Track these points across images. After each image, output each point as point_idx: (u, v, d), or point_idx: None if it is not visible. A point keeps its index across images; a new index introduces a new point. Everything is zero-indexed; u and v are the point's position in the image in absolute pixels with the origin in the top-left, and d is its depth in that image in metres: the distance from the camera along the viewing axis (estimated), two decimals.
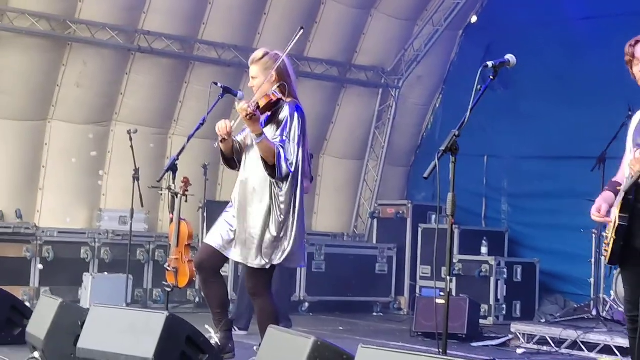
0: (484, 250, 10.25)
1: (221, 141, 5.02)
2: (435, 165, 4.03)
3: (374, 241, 11.56)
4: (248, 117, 4.79)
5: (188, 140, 5.74)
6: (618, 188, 4.25)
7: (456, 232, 10.47)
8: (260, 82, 5.10)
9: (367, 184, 12.30)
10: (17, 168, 9.99)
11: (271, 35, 10.94)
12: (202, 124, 5.70)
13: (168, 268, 6.73)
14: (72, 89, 10.10)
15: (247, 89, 10.94)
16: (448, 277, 4.35)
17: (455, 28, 12.05)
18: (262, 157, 4.94)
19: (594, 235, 8.43)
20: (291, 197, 5.02)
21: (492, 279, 9.83)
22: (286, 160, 4.92)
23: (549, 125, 10.86)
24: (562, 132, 10.66)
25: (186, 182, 6.84)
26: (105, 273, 9.89)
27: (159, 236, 10.53)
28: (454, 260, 10.08)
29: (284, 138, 4.96)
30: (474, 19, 12.05)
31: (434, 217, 11.09)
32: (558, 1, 10.82)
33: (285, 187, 5.00)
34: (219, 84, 5.60)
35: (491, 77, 4.26)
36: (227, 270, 9.83)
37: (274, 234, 4.99)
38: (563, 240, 10.30)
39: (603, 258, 4.38)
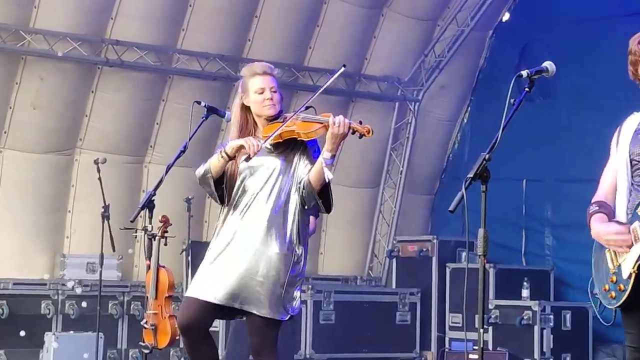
0: (525, 293, 10.21)
1: (247, 159, 4.99)
2: (463, 196, 3.99)
3: (393, 285, 11.50)
4: (350, 131, 4.86)
5: (167, 170, 5.71)
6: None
7: (491, 272, 10.45)
8: (279, 98, 5.15)
9: (384, 216, 12.25)
10: None
11: (264, 43, 10.97)
12: (183, 151, 5.67)
13: (145, 325, 6.69)
14: (28, 111, 10.10)
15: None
16: (481, 329, 4.29)
17: (483, 28, 12.05)
18: (312, 185, 4.94)
19: None
20: (308, 236, 5.15)
21: (536, 328, 9.77)
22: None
23: (598, 142, 10.75)
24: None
25: (165, 221, 6.82)
26: (71, 332, 9.81)
27: (134, 285, 10.47)
28: (489, 307, 10.02)
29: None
30: (506, 16, 12.05)
31: (463, 254, 11.03)
32: None
33: (307, 225, 5.11)
34: (203, 103, 5.58)
35: (527, 89, 4.24)
36: (217, 325, 9.75)
37: (294, 277, 5.00)
38: None
39: (607, 297, 4.36)
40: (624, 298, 4.23)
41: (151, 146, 10.88)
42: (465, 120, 12.53)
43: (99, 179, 8.95)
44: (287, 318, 5.03)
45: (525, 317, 9.82)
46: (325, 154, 4.93)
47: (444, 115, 12.46)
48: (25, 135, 10.17)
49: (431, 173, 12.62)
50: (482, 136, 12.10)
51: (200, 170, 5.22)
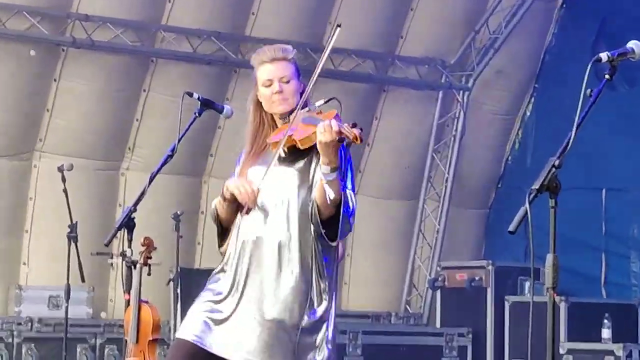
0: (606, 334, 10.20)
1: (246, 212, 4.98)
2: (526, 212, 3.97)
3: (438, 324, 11.52)
4: (340, 140, 4.81)
5: (150, 180, 5.69)
6: None
7: (562, 306, 10.46)
8: (294, 88, 5.09)
9: (425, 236, 12.29)
10: None
11: (273, 18, 11.02)
12: (171, 156, 5.66)
13: None
14: None
15: (238, 99, 11.06)
16: None
17: None
18: (317, 205, 4.91)
19: None
20: (335, 268, 5.02)
21: None
22: (352, 214, 4.92)
23: None
24: None
25: (148, 245, 6.87)
26: None
27: (109, 325, 10.51)
28: (561, 351, 10.04)
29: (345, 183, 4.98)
30: None
31: (527, 285, 11.02)
32: None
33: (332, 251, 5.00)
34: (196, 95, 5.56)
35: (607, 76, 4.21)
36: None
37: (316, 321, 4.96)
38: None
39: None
40: None
41: (129, 149, 10.94)
42: (528, 114, 12.55)
43: (64, 190, 8.97)
44: None
45: None
46: (322, 167, 4.92)
47: (500, 108, 12.50)
48: None
49: (484, 182, 12.67)
50: (549, 134, 12.13)
51: (212, 207, 5.21)
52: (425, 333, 11.33)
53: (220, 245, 5.17)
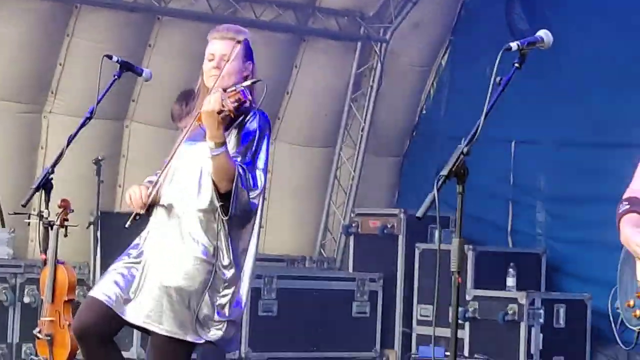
0: (510, 282, 10.33)
1: (134, 217, 5.03)
2: (434, 199, 4.07)
3: (350, 269, 11.60)
4: (220, 113, 4.86)
5: (68, 142, 5.78)
6: None
7: (470, 255, 10.57)
8: (231, 68, 5.12)
9: (340, 183, 12.34)
10: None
11: None
12: (89, 118, 5.75)
13: (39, 335, 6.68)
14: None
15: (159, 46, 10.99)
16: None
17: None
18: (212, 179, 4.96)
19: None
20: (247, 241, 5.07)
21: (523, 325, 9.91)
22: (248, 190, 4.95)
23: (607, 99, 10.91)
24: (627, 109, 10.70)
25: (65, 206, 6.81)
26: None
27: (29, 265, 10.45)
28: (467, 298, 10.20)
29: (249, 159, 5.00)
30: None
31: (436, 233, 11.09)
32: None
33: (245, 228, 5.05)
34: (115, 58, 5.59)
35: (516, 65, 4.30)
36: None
37: (217, 293, 5.01)
38: None
39: (630, 315, 4.44)
40: None
41: (52, 92, 10.83)
42: (443, 66, 12.59)
43: None
44: (201, 342, 5.04)
45: (509, 312, 9.95)
46: (207, 141, 4.97)
47: (417, 60, 12.51)
48: None
49: (399, 131, 12.72)
50: (462, 86, 12.16)
51: None
52: (337, 278, 11.37)
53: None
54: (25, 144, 10.75)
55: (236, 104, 4.94)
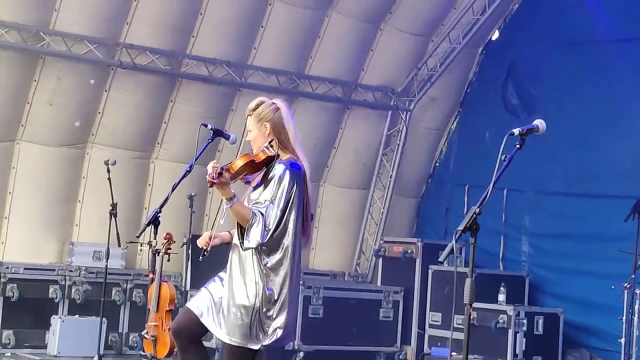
0: (501, 297, 10.18)
1: (203, 254, 5.02)
2: (452, 248, 3.98)
3: (379, 282, 11.53)
4: (209, 184, 4.82)
5: (173, 189, 5.70)
6: None
7: (473, 275, 10.40)
8: (254, 136, 5.07)
9: (372, 216, 12.25)
10: None
11: (268, 51, 10.93)
12: (189, 171, 5.67)
13: (146, 336, 6.67)
14: (45, 107, 10.04)
15: (240, 111, 10.95)
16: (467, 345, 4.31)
17: (474, 45, 12.03)
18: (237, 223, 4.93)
19: (625, 291, 8.36)
20: (285, 269, 4.98)
21: (510, 332, 9.75)
22: (264, 230, 4.86)
23: (577, 158, 10.81)
24: (593, 166, 10.62)
25: (169, 238, 6.79)
26: (77, 316, 9.82)
27: (137, 274, 10.46)
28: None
29: (270, 203, 4.90)
30: (495, 35, 12.04)
31: (447, 260, 10.94)
32: (589, 20, 10.79)
33: (275, 256, 4.96)
34: (210, 126, 5.53)
35: (518, 146, 4.21)
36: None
37: (265, 311, 4.93)
38: (590, 289, 10.26)
39: None
40: None
41: (158, 143, 10.85)
42: (453, 130, 12.50)
43: (109, 179, 8.92)
44: (259, 347, 4.96)
45: (500, 321, 9.80)
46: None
47: (433, 125, 12.44)
48: (41, 129, 10.11)
49: (419, 178, 12.62)
50: (467, 146, 12.12)
51: None
52: (369, 290, 11.23)
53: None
54: (136, 182, 10.76)
55: (209, 179, 4.84)
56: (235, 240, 5.04)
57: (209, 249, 5.04)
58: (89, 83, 10.21)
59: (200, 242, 5.09)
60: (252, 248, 4.89)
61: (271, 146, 5.00)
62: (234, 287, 4.98)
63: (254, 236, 4.86)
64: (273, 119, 5.06)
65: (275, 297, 4.94)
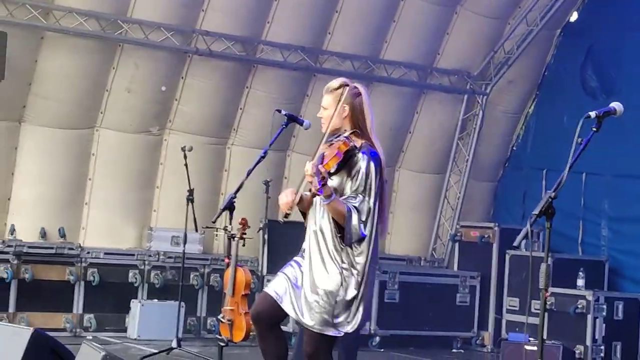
0: (580, 282, 10.06)
1: (285, 215, 4.97)
2: (527, 232, 3.91)
3: (455, 268, 11.46)
4: (312, 195, 4.80)
5: (248, 174, 5.72)
6: None
7: (548, 260, 10.27)
8: (329, 114, 5.00)
9: (449, 201, 12.16)
10: (61, 181, 10.06)
11: (343, 36, 10.90)
12: (263, 157, 5.67)
13: (222, 320, 6.69)
14: (123, 94, 10.16)
15: (315, 96, 10.94)
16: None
17: (551, 27, 11.83)
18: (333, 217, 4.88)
19: None
20: (365, 255, 4.94)
21: (590, 317, 9.63)
22: (360, 223, 4.84)
23: None
24: None
25: (244, 224, 6.80)
26: (155, 300, 9.95)
27: (214, 259, 10.54)
28: (546, 294, 9.86)
29: (361, 196, 4.87)
30: (574, 16, 11.83)
31: (523, 243, 10.83)
32: None
33: (362, 246, 4.93)
34: (283, 112, 5.51)
35: (594, 129, 4.11)
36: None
37: (348, 298, 4.90)
38: None
39: None
40: None
41: (234, 129, 10.89)
42: (530, 114, 12.32)
43: (185, 165, 8.98)
44: (340, 335, 4.92)
45: (579, 306, 9.67)
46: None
47: (510, 109, 12.28)
48: (120, 116, 10.24)
49: (495, 162, 12.48)
50: (544, 129, 11.95)
51: None
52: (445, 275, 11.21)
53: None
54: (213, 167, 10.83)
55: (314, 191, 4.80)
56: (313, 226, 5.01)
57: (290, 212, 4.98)
58: (166, 71, 10.30)
59: (284, 204, 5.01)
60: (350, 244, 4.88)
61: (351, 138, 4.96)
62: (314, 274, 4.95)
63: (355, 231, 4.85)
64: (353, 102, 5.01)
65: (357, 284, 4.91)
